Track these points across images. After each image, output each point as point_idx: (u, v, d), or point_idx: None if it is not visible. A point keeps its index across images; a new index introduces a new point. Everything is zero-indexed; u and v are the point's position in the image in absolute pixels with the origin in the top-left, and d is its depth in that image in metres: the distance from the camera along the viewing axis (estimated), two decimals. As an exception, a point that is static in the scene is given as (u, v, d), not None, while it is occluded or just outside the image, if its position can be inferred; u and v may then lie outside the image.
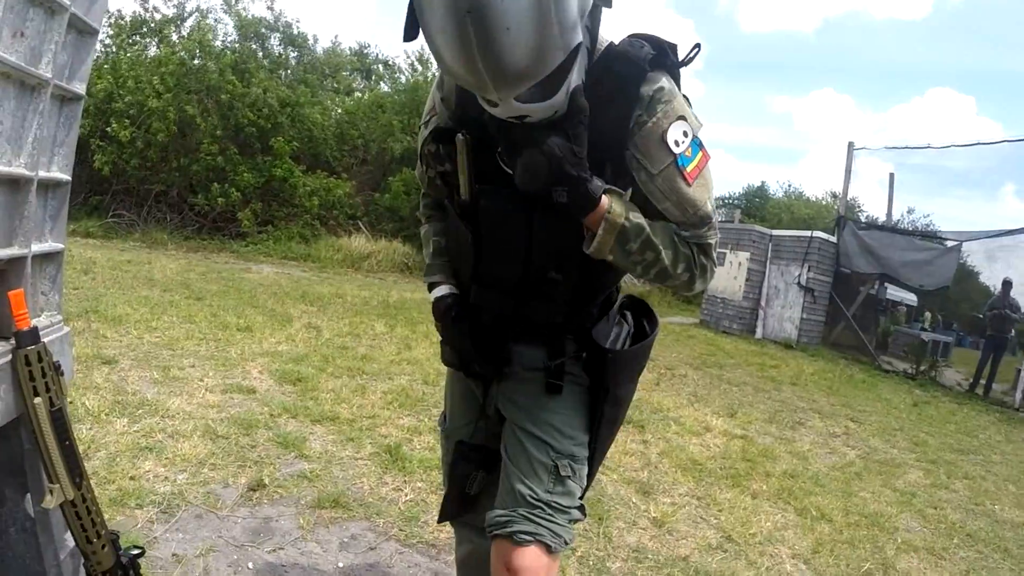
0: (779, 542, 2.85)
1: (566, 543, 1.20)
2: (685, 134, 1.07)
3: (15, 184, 1.02)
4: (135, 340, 4.05)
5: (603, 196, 1.02)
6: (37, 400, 1.00)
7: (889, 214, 12.37)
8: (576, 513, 1.23)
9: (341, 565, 2.09)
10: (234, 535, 2.14)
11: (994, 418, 7.45)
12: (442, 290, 1.30)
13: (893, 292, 12.71)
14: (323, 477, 2.65)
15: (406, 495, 2.62)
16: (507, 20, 0.79)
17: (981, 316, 10.26)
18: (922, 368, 9.70)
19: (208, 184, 10.20)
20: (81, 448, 2.37)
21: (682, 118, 1.07)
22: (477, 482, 1.40)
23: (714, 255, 1.19)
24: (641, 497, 3.10)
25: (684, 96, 1.11)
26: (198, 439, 2.76)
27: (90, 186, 10.42)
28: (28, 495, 1.21)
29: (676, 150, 1.06)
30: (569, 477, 1.20)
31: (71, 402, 2.71)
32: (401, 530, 2.36)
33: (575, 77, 0.98)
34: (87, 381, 3.13)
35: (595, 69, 1.05)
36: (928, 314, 14.23)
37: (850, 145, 11.42)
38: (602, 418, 1.25)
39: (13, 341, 0.99)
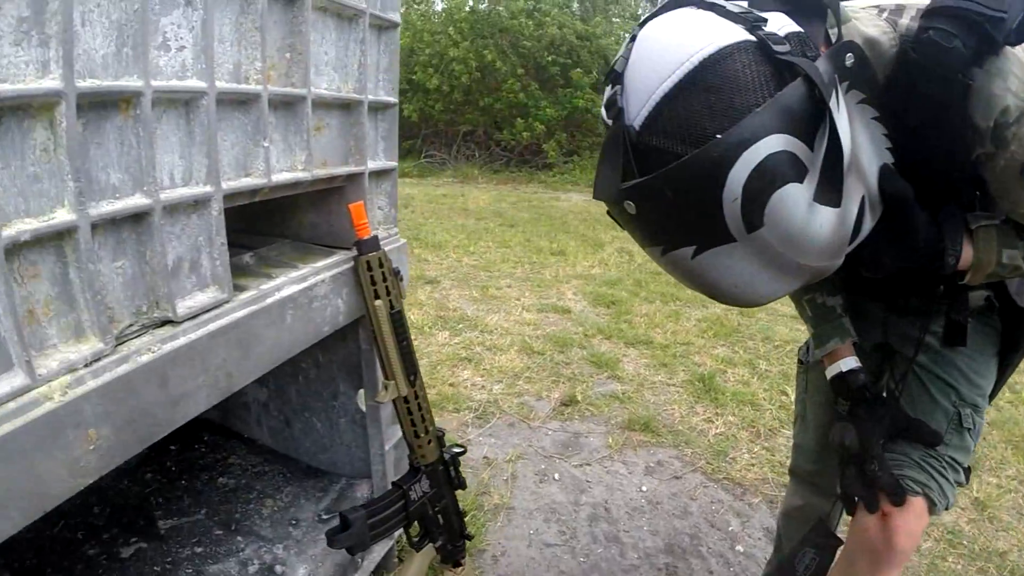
0: None
1: (947, 507, 1.04)
2: None
3: (347, 107, 1.11)
4: (454, 263, 4.54)
5: (965, 249, 0.86)
6: (377, 303, 1.10)
7: None
8: (963, 476, 1.06)
9: (644, 489, 2.08)
10: (543, 445, 2.27)
11: None
12: (849, 363, 1.11)
13: None
14: (634, 400, 2.65)
15: (716, 428, 2.49)
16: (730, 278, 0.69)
17: None
18: None
19: (512, 120, 10.73)
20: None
21: None
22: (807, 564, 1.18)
23: None
24: (966, 473, 2.55)
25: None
26: (514, 353, 2.98)
27: (401, 132, 11.55)
28: (360, 391, 1.38)
29: None
30: (969, 430, 1.06)
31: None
32: (708, 463, 2.25)
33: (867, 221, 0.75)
34: (412, 299, 3.57)
35: (897, 78, 0.77)
36: None
37: None
38: (1008, 369, 1.11)
39: (355, 249, 1.10)
